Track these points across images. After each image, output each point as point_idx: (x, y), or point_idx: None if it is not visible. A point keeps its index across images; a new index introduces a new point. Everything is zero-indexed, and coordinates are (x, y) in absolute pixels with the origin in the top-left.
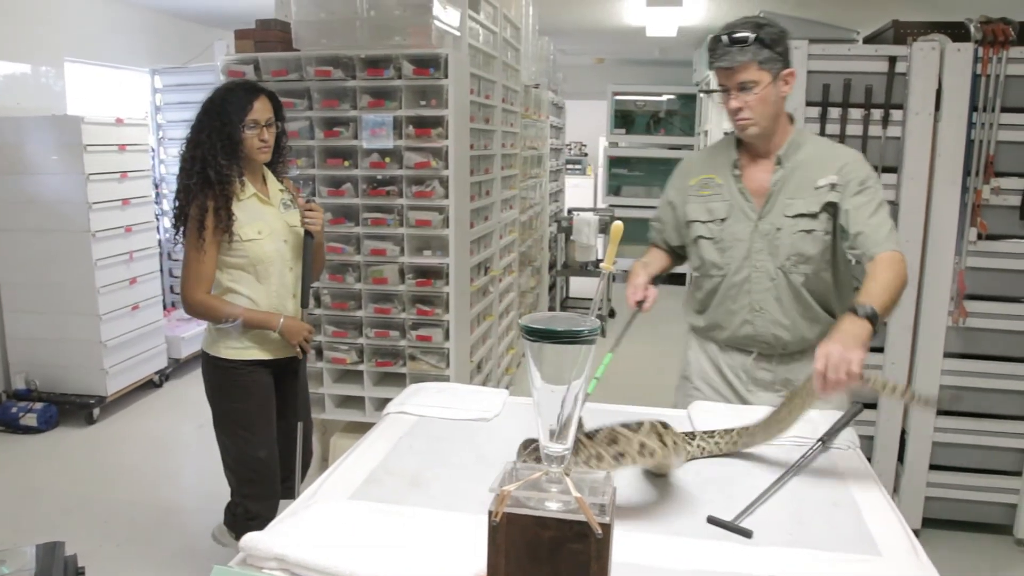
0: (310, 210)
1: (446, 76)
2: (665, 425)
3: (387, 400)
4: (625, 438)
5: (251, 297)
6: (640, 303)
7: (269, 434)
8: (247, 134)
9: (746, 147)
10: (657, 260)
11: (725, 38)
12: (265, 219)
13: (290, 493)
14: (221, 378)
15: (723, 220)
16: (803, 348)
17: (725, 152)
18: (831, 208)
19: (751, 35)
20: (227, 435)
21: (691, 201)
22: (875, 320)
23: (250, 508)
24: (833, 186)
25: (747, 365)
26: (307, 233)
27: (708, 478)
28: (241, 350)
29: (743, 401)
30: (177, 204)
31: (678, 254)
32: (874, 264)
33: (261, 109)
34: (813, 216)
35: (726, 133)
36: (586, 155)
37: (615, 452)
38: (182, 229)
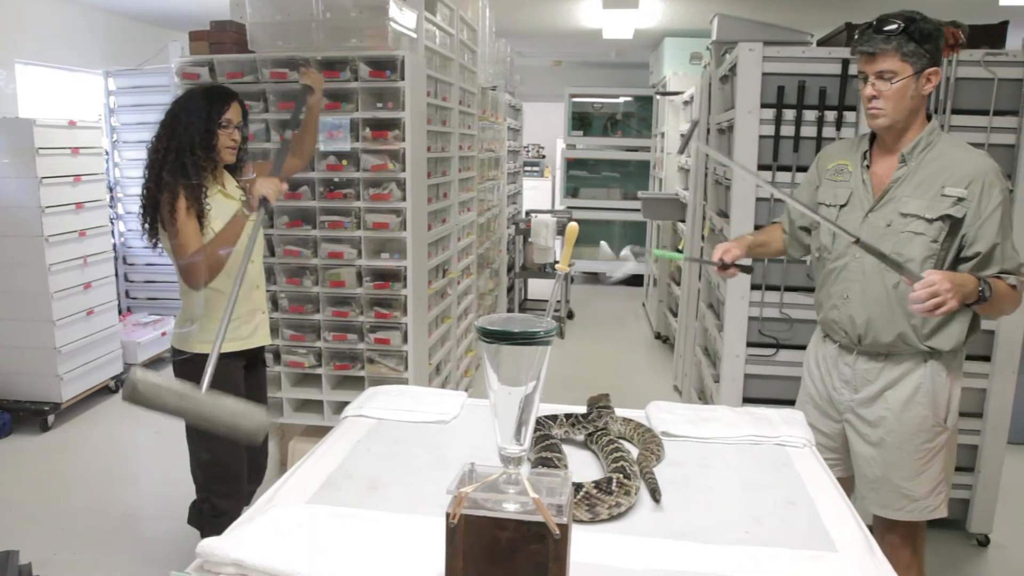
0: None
1: (403, 78)
2: (627, 475)
3: (345, 404)
4: (600, 500)
5: (215, 287)
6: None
7: None
8: (220, 132)
9: (879, 141)
10: (768, 234)
11: (874, 24)
12: (229, 214)
13: (249, 498)
14: (195, 373)
15: (843, 207)
16: (876, 351)
17: (861, 143)
18: (949, 220)
19: (899, 25)
20: (198, 429)
21: (824, 184)
22: (982, 300)
23: (217, 504)
24: (960, 200)
25: (832, 355)
26: (306, 87)
27: (665, 479)
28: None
29: (828, 396)
30: (145, 193)
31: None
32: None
33: (235, 111)
34: (928, 221)
35: (681, 135)
36: (544, 157)
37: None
38: (150, 219)
